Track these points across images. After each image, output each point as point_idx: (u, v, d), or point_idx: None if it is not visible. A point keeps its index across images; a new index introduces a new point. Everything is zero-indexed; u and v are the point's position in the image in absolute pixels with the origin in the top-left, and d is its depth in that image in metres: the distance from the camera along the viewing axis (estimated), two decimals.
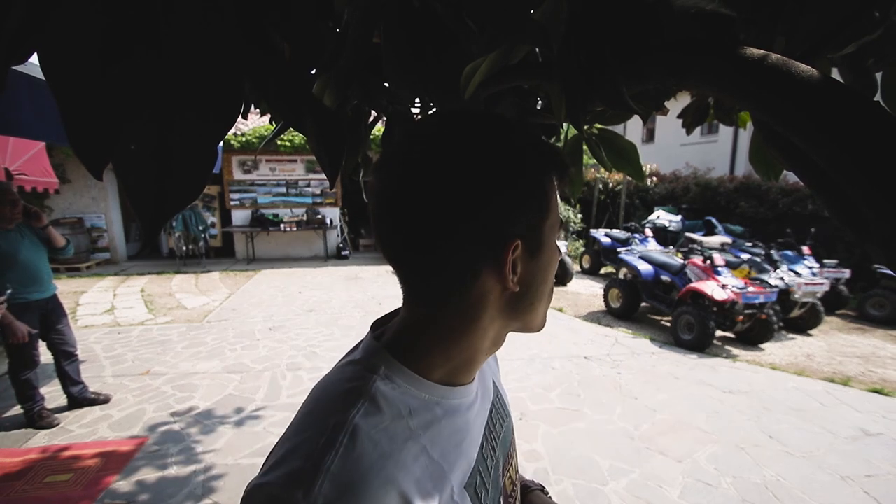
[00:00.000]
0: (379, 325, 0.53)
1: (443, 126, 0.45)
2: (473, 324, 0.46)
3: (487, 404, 0.57)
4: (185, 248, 9.54)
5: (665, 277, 5.68)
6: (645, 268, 5.84)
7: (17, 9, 0.29)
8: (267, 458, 0.42)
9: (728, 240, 6.68)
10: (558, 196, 0.48)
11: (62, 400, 3.42)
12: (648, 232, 7.82)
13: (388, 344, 0.48)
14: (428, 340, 0.47)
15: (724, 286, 4.76)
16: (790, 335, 5.39)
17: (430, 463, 0.43)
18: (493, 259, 0.43)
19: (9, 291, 2.47)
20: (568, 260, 7.92)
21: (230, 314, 5.99)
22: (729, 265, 5.19)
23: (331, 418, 0.41)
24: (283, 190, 10.28)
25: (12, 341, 2.83)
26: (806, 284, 5.16)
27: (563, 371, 4.21)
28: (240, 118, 0.47)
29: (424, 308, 0.47)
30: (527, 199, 0.44)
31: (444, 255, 0.43)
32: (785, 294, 5.11)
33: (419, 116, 1.08)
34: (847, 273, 6.04)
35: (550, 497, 0.75)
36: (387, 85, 0.90)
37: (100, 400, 3.48)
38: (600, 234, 8.61)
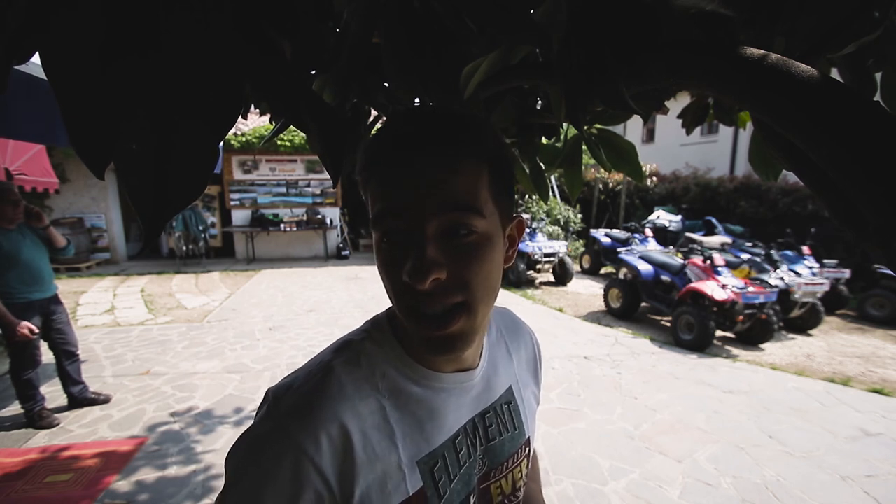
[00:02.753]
0: None
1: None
2: None
3: (482, 405, 0.58)
4: (185, 248, 9.54)
5: (665, 277, 5.68)
6: (645, 268, 5.84)
7: (18, 8, 0.29)
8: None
9: (728, 240, 6.68)
10: (391, 198, 0.46)
11: (62, 400, 3.42)
12: (648, 232, 7.82)
13: (392, 316, 0.55)
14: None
15: (724, 286, 4.77)
16: (790, 335, 5.39)
17: (384, 422, 0.49)
18: None
19: None
20: (568, 260, 7.92)
21: (230, 314, 5.99)
22: (729, 265, 5.19)
23: (324, 358, 0.52)
24: (283, 190, 10.28)
25: (16, 339, 2.82)
26: (806, 284, 5.16)
27: (563, 371, 4.22)
28: (240, 118, 0.47)
29: None
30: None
31: None
32: (785, 294, 5.11)
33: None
34: (847, 273, 6.04)
35: None
36: (386, 84, 0.90)
37: (100, 400, 3.48)
38: (600, 234, 8.61)
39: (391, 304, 0.51)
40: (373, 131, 0.60)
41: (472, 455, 0.56)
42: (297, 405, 0.47)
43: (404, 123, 0.47)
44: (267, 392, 0.50)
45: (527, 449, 0.64)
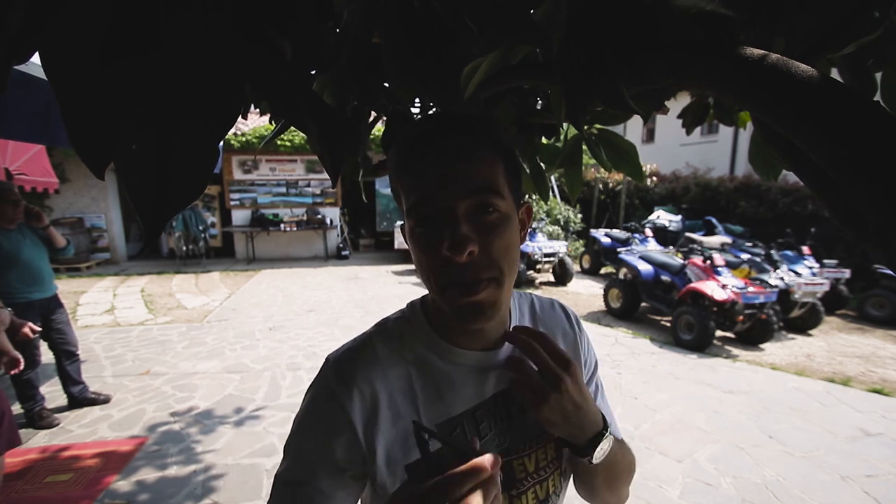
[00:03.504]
0: None
1: None
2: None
3: (507, 383, 0.63)
4: (185, 248, 9.54)
5: (665, 277, 5.68)
6: (645, 268, 5.84)
7: (18, 8, 0.29)
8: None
9: (728, 240, 6.68)
10: (423, 188, 0.53)
11: (62, 400, 3.42)
12: (648, 232, 7.82)
13: (425, 301, 0.64)
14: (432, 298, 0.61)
15: (724, 286, 4.76)
16: (790, 335, 5.39)
17: (409, 387, 0.58)
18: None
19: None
20: (568, 260, 7.92)
21: (230, 314, 5.99)
22: (729, 265, 5.19)
23: (366, 333, 0.64)
24: (283, 190, 10.28)
25: (16, 339, 2.80)
26: (806, 284, 5.16)
27: None
28: (240, 118, 0.47)
29: None
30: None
31: None
32: (785, 294, 5.11)
33: (419, 116, 1.08)
34: (847, 273, 6.04)
35: None
36: (386, 85, 0.90)
37: (100, 400, 3.48)
38: (600, 234, 8.61)
39: (427, 287, 0.57)
40: (373, 131, 0.63)
41: (492, 428, 0.61)
42: (339, 367, 0.58)
43: (426, 124, 0.55)
44: (325, 360, 0.62)
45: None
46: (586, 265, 9.06)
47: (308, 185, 10.39)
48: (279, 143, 9.30)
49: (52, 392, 3.53)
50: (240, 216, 10.17)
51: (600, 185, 11.11)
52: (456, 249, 0.50)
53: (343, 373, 0.57)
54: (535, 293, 0.75)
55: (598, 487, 0.65)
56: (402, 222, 0.60)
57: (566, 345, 0.71)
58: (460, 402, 0.60)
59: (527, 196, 8.94)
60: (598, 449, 0.58)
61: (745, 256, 5.62)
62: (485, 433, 0.60)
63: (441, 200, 0.51)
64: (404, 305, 0.67)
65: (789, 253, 6.09)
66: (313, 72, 0.77)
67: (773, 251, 5.86)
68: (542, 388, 0.56)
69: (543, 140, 1.12)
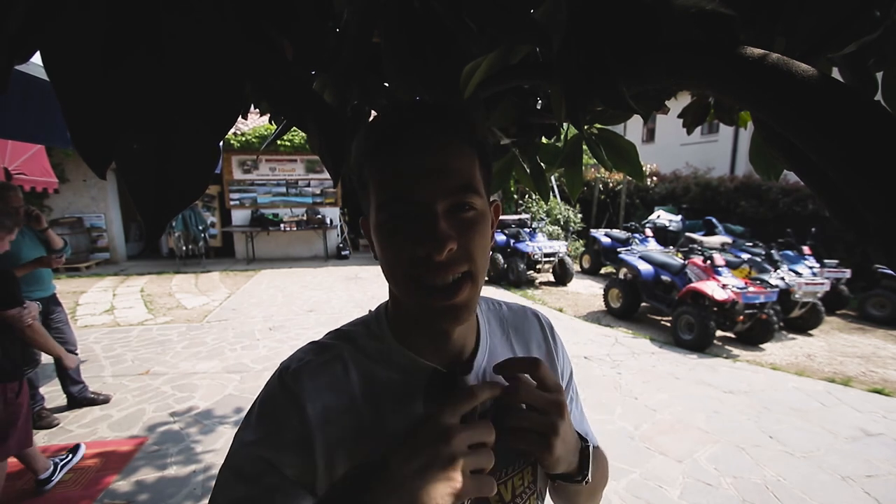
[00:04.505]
0: None
1: None
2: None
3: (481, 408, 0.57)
4: (185, 248, 9.54)
5: (665, 277, 5.68)
6: (645, 268, 5.84)
7: (19, 7, 0.29)
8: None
9: (728, 240, 6.67)
10: (400, 181, 0.49)
11: (62, 400, 3.42)
12: (648, 232, 7.82)
13: (386, 309, 0.61)
14: (394, 301, 0.59)
15: (724, 286, 4.76)
16: (790, 335, 5.39)
17: (375, 406, 0.54)
18: None
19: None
20: (568, 260, 7.92)
21: (230, 314, 5.99)
22: (729, 265, 5.19)
23: (328, 341, 0.59)
24: (283, 190, 10.28)
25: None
26: (806, 284, 5.16)
27: None
28: (240, 118, 0.47)
29: None
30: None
31: None
32: (785, 294, 5.11)
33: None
34: (847, 273, 6.04)
35: None
36: (386, 85, 0.90)
37: (99, 400, 3.48)
38: (600, 234, 8.61)
39: (394, 286, 0.54)
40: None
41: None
42: (300, 374, 0.54)
43: (401, 113, 0.51)
44: (280, 364, 0.59)
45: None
46: (586, 265, 9.06)
47: (308, 185, 10.39)
48: (279, 142, 9.30)
49: (52, 392, 3.53)
50: (240, 216, 10.16)
51: (600, 185, 11.11)
52: (436, 246, 0.47)
53: (303, 378, 0.53)
54: (506, 300, 0.72)
55: (580, 501, 0.63)
56: (363, 216, 0.57)
57: (539, 348, 0.68)
58: (410, 415, 0.55)
59: (526, 196, 8.92)
60: (590, 467, 0.58)
61: (745, 256, 5.62)
62: None
63: (419, 196, 0.48)
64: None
65: (789, 253, 6.09)
66: (313, 72, 0.77)
67: (773, 251, 5.86)
68: (544, 438, 0.51)
69: (543, 140, 1.12)
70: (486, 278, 7.94)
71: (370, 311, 0.63)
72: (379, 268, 0.58)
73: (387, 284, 0.57)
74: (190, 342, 4.90)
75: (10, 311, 2.08)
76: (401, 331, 0.57)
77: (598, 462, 0.62)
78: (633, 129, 14.18)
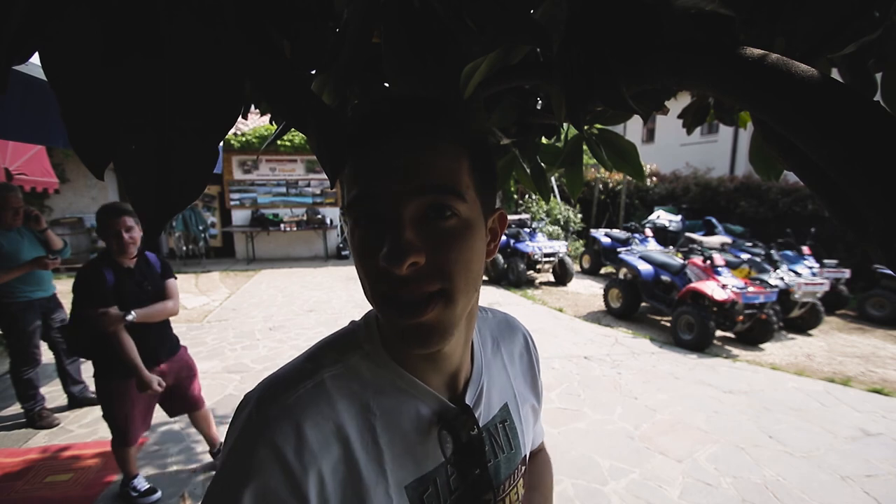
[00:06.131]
0: None
1: None
2: None
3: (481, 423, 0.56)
4: (185, 248, 9.54)
5: (665, 277, 5.68)
6: (645, 268, 5.84)
7: (19, 8, 0.29)
8: (269, 375, 0.50)
9: (728, 240, 6.68)
10: (366, 179, 0.44)
11: (62, 400, 3.42)
12: (648, 232, 7.82)
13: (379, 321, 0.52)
14: None
15: (724, 286, 4.76)
16: (790, 335, 5.39)
17: (373, 444, 0.46)
18: None
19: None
20: (568, 260, 7.92)
21: (230, 314, 5.99)
22: (729, 265, 5.19)
23: (310, 366, 0.49)
24: (283, 190, 10.28)
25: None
26: (806, 284, 5.16)
27: (563, 371, 4.21)
28: (240, 118, 0.47)
29: None
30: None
31: None
32: (785, 294, 5.11)
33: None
34: (847, 273, 6.04)
35: None
36: (386, 85, 0.90)
37: None
38: (600, 234, 8.61)
39: (367, 299, 0.47)
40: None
41: (467, 476, 0.52)
42: (279, 421, 0.43)
43: (377, 105, 0.46)
44: (245, 397, 0.46)
45: (523, 468, 0.62)
46: (586, 265, 9.06)
47: (308, 185, 10.39)
48: (279, 143, 9.30)
49: (53, 392, 3.53)
50: (240, 216, 10.16)
51: (600, 185, 11.11)
52: (393, 260, 0.40)
53: (289, 433, 0.42)
54: (489, 306, 0.70)
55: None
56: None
57: (522, 366, 0.66)
58: (433, 453, 0.49)
59: (526, 196, 8.91)
60: None
61: (745, 256, 5.62)
62: (455, 487, 0.50)
63: (385, 197, 0.42)
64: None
65: (789, 253, 6.09)
66: (313, 72, 0.77)
67: (773, 251, 5.86)
68: None
69: (543, 140, 1.12)
70: (486, 278, 7.84)
71: (352, 322, 0.55)
72: None
73: None
74: (190, 342, 4.89)
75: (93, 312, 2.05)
76: (399, 353, 0.50)
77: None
78: (633, 129, 14.17)
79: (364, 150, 0.44)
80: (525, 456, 0.62)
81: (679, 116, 1.15)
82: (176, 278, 2.48)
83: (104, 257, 2.18)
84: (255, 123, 9.43)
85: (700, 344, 4.74)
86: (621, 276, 6.38)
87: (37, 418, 3.12)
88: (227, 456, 0.43)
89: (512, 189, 10.36)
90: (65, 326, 2.16)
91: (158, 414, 3.32)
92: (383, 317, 0.46)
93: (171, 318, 2.45)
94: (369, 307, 0.51)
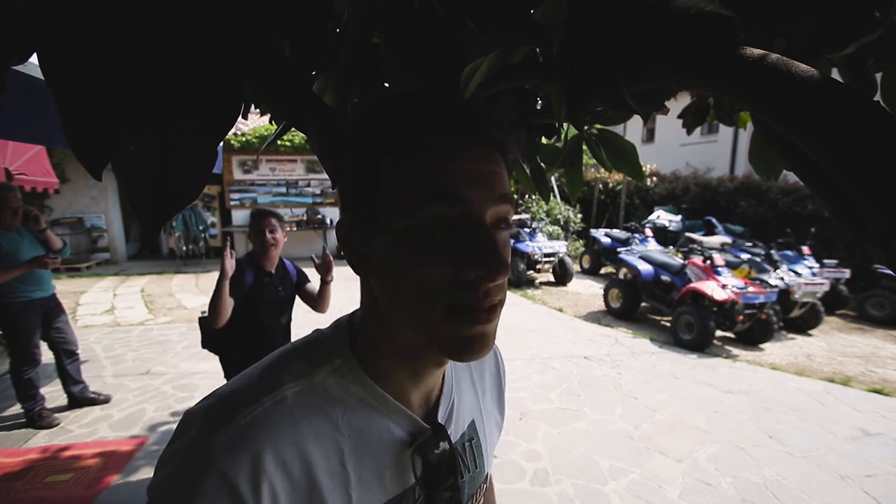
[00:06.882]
0: None
1: None
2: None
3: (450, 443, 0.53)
4: (185, 248, 9.54)
5: (665, 277, 5.68)
6: (645, 268, 5.84)
7: (18, 8, 0.29)
8: (218, 388, 0.44)
9: (728, 240, 6.68)
10: (452, 183, 0.40)
11: (62, 400, 3.42)
12: (648, 232, 7.82)
13: (354, 333, 0.48)
14: (374, 328, 0.46)
15: (724, 286, 4.77)
16: (790, 335, 5.39)
17: (340, 468, 0.42)
18: None
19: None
20: (568, 260, 7.93)
21: None
22: (729, 265, 5.19)
23: (269, 379, 0.43)
24: (283, 190, 10.29)
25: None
26: (806, 284, 5.16)
27: (563, 371, 4.21)
28: (240, 118, 0.47)
29: (365, 294, 0.49)
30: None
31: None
32: (785, 294, 5.11)
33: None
34: (847, 273, 6.04)
35: None
36: (387, 85, 0.90)
37: (100, 400, 3.48)
38: (600, 234, 8.61)
39: (415, 315, 0.41)
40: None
41: (438, 496, 0.50)
42: (235, 443, 0.38)
43: (442, 102, 0.42)
44: (189, 414, 0.41)
45: (485, 486, 0.59)
46: (586, 265, 9.06)
47: (308, 185, 10.39)
48: (279, 143, 9.31)
49: (53, 392, 3.53)
50: (240, 216, 10.16)
51: (600, 185, 11.11)
52: (498, 269, 0.38)
53: (242, 459, 0.37)
54: None
55: None
56: (346, 221, 0.45)
57: (491, 377, 0.65)
58: (402, 475, 0.46)
59: (526, 196, 8.91)
60: None
61: (745, 256, 5.62)
62: None
63: (476, 203, 0.39)
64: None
65: (789, 253, 6.09)
66: (313, 72, 0.77)
67: (773, 251, 5.86)
68: None
69: (543, 140, 1.12)
70: None
71: (316, 330, 0.50)
72: None
73: None
74: (190, 342, 4.89)
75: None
76: (379, 368, 0.46)
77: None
78: (632, 129, 14.17)
79: (439, 148, 0.40)
80: (488, 474, 0.61)
81: (679, 116, 1.15)
82: (310, 282, 2.58)
83: (249, 258, 2.32)
84: (255, 123, 9.43)
85: (700, 344, 4.74)
86: (621, 276, 6.38)
87: (37, 418, 3.12)
88: (165, 487, 0.37)
89: (512, 189, 10.36)
90: (202, 318, 2.21)
91: (159, 414, 3.33)
92: (448, 325, 0.40)
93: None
94: None
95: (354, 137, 0.43)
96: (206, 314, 2.16)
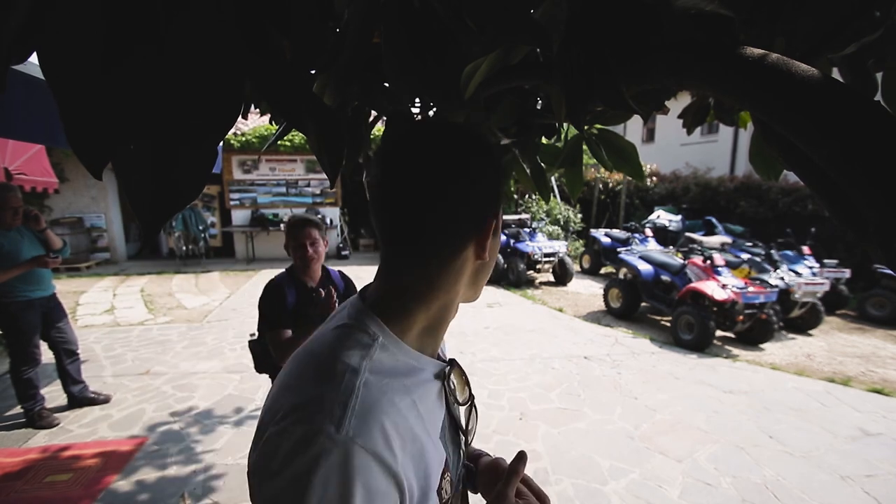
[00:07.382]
0: (364, 291, 0.62)
1: (431, 132, 0.55)
2: (453, 288, 0.58)
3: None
4: (184, 248, 9.54)
5: (665, 277, 5.68)
6: (645, 268, 5.84)
7: (18, 7, 0.29)
8: (271, 410, 0.50)
9: (728, 240, 6.68)
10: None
11: (62, 399, 3.42)
12: (648, 232, 7.82)
13: (380, 311, 0.56)
14: (414, 306, 0.56)
15: (724, 286, 4.76)
16: (790, 335, 5.39)
17: (419, 415, 0.53)
18: (477, 232, 0.55)
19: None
20: (568, 260, 7.92)
21: (230, 314, 5.98)
22: (729, 265, 5.19)
23: (345, 371, 0.50)
24: (283, 190, 10.28)
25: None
26: (806, 284, 5.16)
27: (563, 371, 4.21)
28: (240, 118, 0.47)
29: (411, 276, 0.56)
30: (496, 186, 0.57)
31: (441, 227, 0.54)
32: (785, 294, 5.11)
33: (419, 116, 1.08)
34: (847, 273, 6.04)
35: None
36: (387, 85, 0.90)
37: (100, 400, 3.48)
38: (600, 234, 8.61)
39: (482, 282, 0.63)
40: (373, 131, 0.61)
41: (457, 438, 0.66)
42: (362, 426, 0.46)
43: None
44: (307, 433, 0.45)
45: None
46: (586, 265, 9.06)
47: (308, 185, 10.39)
48: (279, 142, 9.30)
49: (52, 392, 3.53)
50: (240, 216, 10.16)
51: (600, 185, 11.11)
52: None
53: (375, 434, 0.46)
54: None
55: None
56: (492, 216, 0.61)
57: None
58: (440, 400, 0.61)
59: (526, 196, 8.95)
60: None
61: (745, 256, 5.62)
62: (449, 424, 0.62)
63: None
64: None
65: (789, 253, 6.09)
66: (313, 72, 0.77)
67: (773, 251, 5.86)
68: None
69: (543, 140, 1.12)
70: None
71: (352, 317, 0.57)
72: (376, 267, 0.58)
73: None
74: (190, 342, 4.89)
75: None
76: (411, 334, 0.57)
77: None
78: (632, 129, 14.17)
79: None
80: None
81: (679, 116, 1.15)
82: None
83: (289, 274, 2.11)
84: (255, 123, 9.43)
85: (700, 344, 4.74)
86: (621, 276, 6.38)
87: (37, 418, 3.12)
88: (322, 485, 0.43)
89: (512, 189, 10.36)
90: (252, 341, 2.07)
91: (159, 414, 3.33)
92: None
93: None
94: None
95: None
96: (255, 336, 2.05)
